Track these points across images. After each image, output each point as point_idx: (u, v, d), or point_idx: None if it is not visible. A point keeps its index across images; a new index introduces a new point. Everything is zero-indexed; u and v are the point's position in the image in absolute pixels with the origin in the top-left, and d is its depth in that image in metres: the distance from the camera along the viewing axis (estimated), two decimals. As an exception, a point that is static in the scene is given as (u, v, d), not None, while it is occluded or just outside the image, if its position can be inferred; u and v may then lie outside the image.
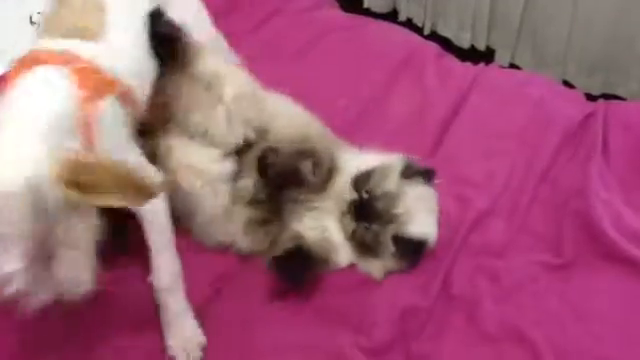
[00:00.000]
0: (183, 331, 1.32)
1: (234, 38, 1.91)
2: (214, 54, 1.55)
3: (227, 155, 1.49)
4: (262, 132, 1.51)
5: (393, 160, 1.51)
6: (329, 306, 1.39)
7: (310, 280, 1.41)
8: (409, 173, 1.49)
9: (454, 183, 1.58)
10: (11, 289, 1.01)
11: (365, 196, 1.45)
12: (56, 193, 0.98)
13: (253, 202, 1.47)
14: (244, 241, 1.48)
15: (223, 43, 1.74)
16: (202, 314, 1.37)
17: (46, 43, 1.23)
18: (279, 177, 1.44)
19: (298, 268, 1.37)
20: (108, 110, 1.16)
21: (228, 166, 1.48)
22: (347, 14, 2.17)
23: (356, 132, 1.68)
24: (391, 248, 1.43)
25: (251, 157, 1.49)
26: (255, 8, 2.06)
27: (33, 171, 0.98)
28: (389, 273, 1.45)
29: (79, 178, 0.99)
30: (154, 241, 1.28)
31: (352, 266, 1.47)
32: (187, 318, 1.34)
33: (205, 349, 1.34)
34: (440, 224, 1.48)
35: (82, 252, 1.06)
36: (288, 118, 1.57)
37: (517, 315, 1.37)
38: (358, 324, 1.36)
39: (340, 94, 1.80)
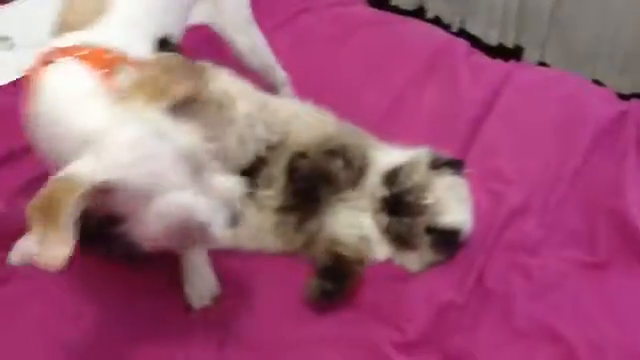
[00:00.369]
0: (199, 281, 1.41)
1: (263, 34, 1.93)
2: (221, 73, 1.53)
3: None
4: (278, 142, 1.52)
5: (420, 153, 1.52)
6: (364, 300, 1.39)
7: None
8: (437, 164, 1.49)
9: (487, 179, 1.58)
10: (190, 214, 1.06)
11: (395, 191, 1.45)
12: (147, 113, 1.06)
13: (283, 209, 1.48)
14: (275, 243, 1.50)
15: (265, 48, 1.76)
16: (235, 305, 1.40)
17: (56, 42, 1.26)
18: (310, 180, 1.45)
19: (339, 289, 1.38)
20: (124, 80, 1.17)
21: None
22: (376, 10, 2.17)
23: (387, 128, 1.69)
24: (426, 240, 1.43)
25: (270, 169, 1.50)
26: (284, 4, 2.07)
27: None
28: (428, 266, 1.45)
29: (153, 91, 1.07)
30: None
31: (387, 261, 1.47)
32: (202, 272, 1.42)
33: (217, 299, 1.41)
34: (474, 219, 1.48)
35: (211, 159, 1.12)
36: (305, 122, 1.57)
37: (551, 312, 1.37)
38: (393, 319, 1.36)
39: (370, 90, 1.80)
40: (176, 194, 1.04)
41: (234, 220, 1.12)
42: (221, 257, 1.47)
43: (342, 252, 1.41)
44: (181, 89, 1.09)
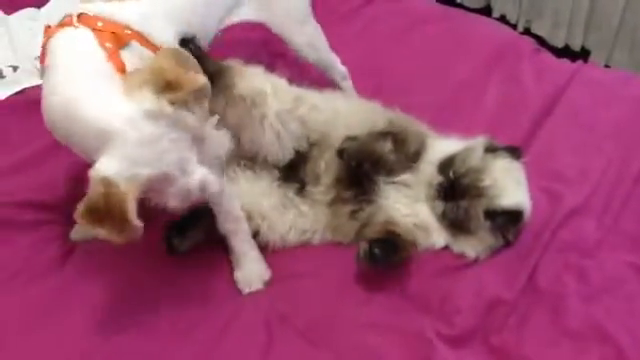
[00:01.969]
0: (248, 266, 1.46)
1: (325, 27, 1.94)
2: (255, 72, 1.52)
3: (276, 174, 1.52)
4: (320, 138, 1.52)
5: (477, 141, 1.50)
6: (413, 290, 1.39)
7: (399, 265, 1.42)
8: (493, 149, 1.47)
9: (546, 178, 1.56)
10: (203, 188, 1.22)
11: (451, 176, 1.43)
12: (164, 108, 1.13)
13: (336, 201, 1.49)
14: (329, 234, 1.51)
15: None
16: (283, 289, 1.43)
17: (83, 6, 1.30)
18: (358, 160, 1.45)
19: (387, 256, 1.37)
20: (127, 57, 1.25)
21: (275, 196, 1.50)
22: (441, 5, 2.16)
23: (447, 122, 1.67)
24: (484, 223, 1.41)
25: (315, 165, 1.51)
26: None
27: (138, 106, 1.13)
28: (488, 252, 1.43)
29: (164, 83, 1.14)
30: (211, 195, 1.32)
31: (443, 250, 1.46)
32: (251, 256, 1.46)
33: (267, 283, 1.44)
34: (530, 217, 1.46)
35: (209, 126, 1.26)
36: (345, 119, 1.55)
37: (604, 315, 1.34)
38: (441, 311, 1.35)
39: (433, 81, 1.80)
40: (191, 176, 1.19)
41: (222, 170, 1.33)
42: None
43: (396, 230, 1.41)
44: (189, 80, 1.16)
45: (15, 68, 1.88)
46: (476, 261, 1.44)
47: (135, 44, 1.27)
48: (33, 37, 1.91)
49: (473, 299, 1.36)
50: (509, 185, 1.43)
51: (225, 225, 1.43)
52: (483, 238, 1.43)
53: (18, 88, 1.84)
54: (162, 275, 1.47)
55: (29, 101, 1.74)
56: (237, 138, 1.46)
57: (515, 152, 1.49)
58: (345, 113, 1.57)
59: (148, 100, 1.12)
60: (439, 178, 1.45)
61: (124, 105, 1.12)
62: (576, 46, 2.69)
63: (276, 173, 1.53)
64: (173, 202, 1.20)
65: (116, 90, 1.15)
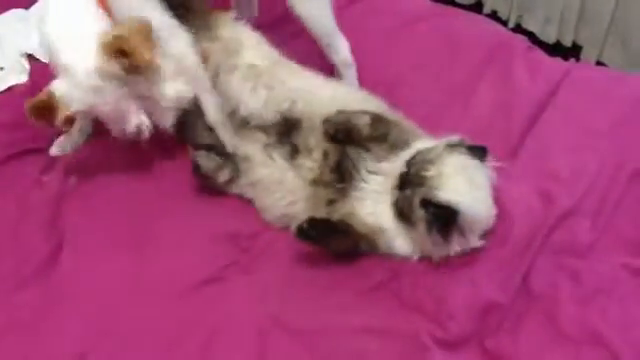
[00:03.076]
0: None
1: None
2: (240, 25, 1.67)
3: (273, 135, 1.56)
4: (310, 110, 1.55)
5: (447, 139, 1.47)
6: (406, 292, 1.39)
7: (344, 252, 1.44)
8: (454, 145, 1.44)
9: (540, 178, 1.55)
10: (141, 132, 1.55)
11: (406, 167, 1.43)
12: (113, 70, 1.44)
13: (317, 182, 1.49)
14: (304, 213, 1.49)
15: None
16: (276, 290, 1.43)
17: None
18: (335, 127, 1.48)
19: (316, 235, 1.40)
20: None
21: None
22: (434, 3, 2.14)
23: (441, 121, 1.67)
24: (420, 214, 1.38)
25: (307, 137, 1.53)
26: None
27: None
28: (432, 249, 1.41)
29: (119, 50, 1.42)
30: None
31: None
32: None
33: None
34: (524, 219, 1.45)
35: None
36: (341, 97, 1.59)
37: (599, 318, 1.34)
38: (435, 314, 1.35)
39: (425, 80, 1.79)
40: (128, 121, 1.52)
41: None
42: (267, 238, 1.52)
43: (351, 222, 1.41)
44: (143, 55, 1.43)
45: (1, 68, 1.86)
46: (470, 262, 1.42)
47: None
48: (21, 36, 1.90)
49: (467, 302, 1.35)
50: (455, 180, 1.38)
51: None
52: (421, 231, 1.39)
53: (4, 87, 1.82)
54: (152, 276, 1.46)
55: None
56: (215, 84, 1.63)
57: (478, 152, 1.45)
58: (339, 96, 1.58)
59: (104, 61, 1.42)
60: (403, 169, 1.44)
61: (88, 57, 1.43)
62: (567, 42, 2.68)
63: (267, 137, 1.58)
64: (118, 128, 1.54)
65: (91, 38, 1.44)
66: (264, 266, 1.48)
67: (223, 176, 1.59)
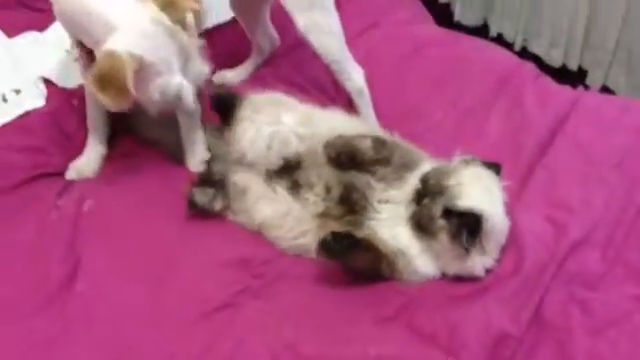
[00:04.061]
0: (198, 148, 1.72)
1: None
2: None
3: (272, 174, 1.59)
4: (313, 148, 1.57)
5: (462, 157, 1.51)
6: (420, 321, 1.40)
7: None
8: (470, 160, 1.48)
9: (549, 207, 1.57)
10: (179, 92, 1.57)
11: (422, 179, 1.45)
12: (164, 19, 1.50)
13: (327, 215, 1.51)
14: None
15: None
16: (289, 316, 1.44)
17: None
18: (337, 150, 1.51)
19: (343, 250, 1.40)
20: None
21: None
22: (443, 29, 2.17)
23: (451, 148, 1.68)
24: (441, 222, 1.39)
25: (309, 172, 1.55)
26: (351, 21, 2.07)
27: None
28: (453, 261, 1.43)
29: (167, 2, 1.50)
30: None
31: (444, 284, 1.47)
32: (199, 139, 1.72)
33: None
34: (535, 248, 1.47)
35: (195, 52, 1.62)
36: (343, 130, 1.60)
37: (610, 351, 1.35)
38: (448, 344, 1.36)
39: (437, 108, 1.81)
40: (173, 77, 1.53)
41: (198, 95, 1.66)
42: (281, 264, 1.53)
43: (374, 242, 1.42)
44: (186, 6, 1.51)
45: (18, 92, 1.87)
46: (483, 291, 1.44)
47: None
48: (37, 60, 1.91)
49: (480, 333, 1.36)
50: (473, 189, 1.41)
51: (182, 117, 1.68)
52: (443, 242, 1.41)
53: (21, 111, 1.83)
54: (166, 302, 1.48)
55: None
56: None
57: (493, 166, 1.49)
58: (341, 129, 1.59)
59: (154, 10, 1.48)
60: (417, 186, 1.47)
61: (134, 8, 1.48)
62: (573, 66, 2.71)
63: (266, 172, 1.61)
64: (154, 95, 1.52)
65: None
66: (278, 292, 1.49)
67: (217, 205, 1.62)
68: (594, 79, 2.65)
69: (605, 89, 2.60)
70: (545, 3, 2.68)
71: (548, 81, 1.95)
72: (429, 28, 2.14)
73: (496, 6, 2.84)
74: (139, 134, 1.80)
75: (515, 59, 2.06)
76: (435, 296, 1.44)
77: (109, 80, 1.42)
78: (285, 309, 1.46)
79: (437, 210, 1.40)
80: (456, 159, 1.50)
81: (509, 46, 2.72)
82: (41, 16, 2.04)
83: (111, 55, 1.42)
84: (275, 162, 1.61)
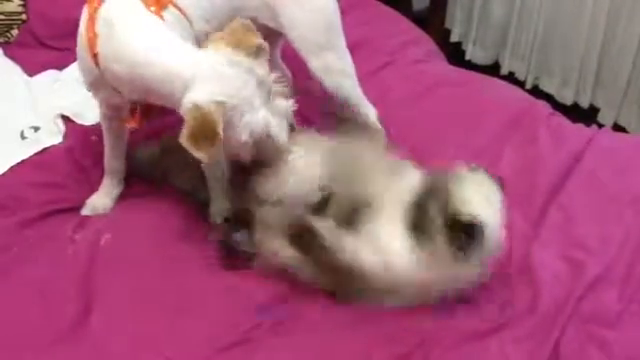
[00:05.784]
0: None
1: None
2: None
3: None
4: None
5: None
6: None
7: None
8: (475, 168, 1.46)
9: (565, 245, 1.56)
10: (267, 126, 1.47)
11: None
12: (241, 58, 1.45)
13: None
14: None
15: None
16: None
17: None
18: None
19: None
20: (167, 17, 1.53)
21: None
22: (456, 68, 2.19)
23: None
24: (440, 226, 1.37)
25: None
26: (365, 60, 2.10)
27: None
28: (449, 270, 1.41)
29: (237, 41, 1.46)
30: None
31: (458, 322, 1.46)
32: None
33: None
34: (552, 286, 1.47)
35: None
36: None
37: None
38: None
39: (449, 146, 1.82)
40: (257, 112, 1.44)
41: (291, 129, 1.54)
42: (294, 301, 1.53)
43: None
44: (254, 40, 1.47)
45: (36, 129, 1.90)
46: (499, 329, 1.43)
47: (171, 7, 1.54)
48: (56, 97, 1.94)
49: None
50: (473, 196, 1.39)
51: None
52: (440, 246, 1.38)
53: (39, 148, 1.85)
54: (181, 338, 1.47)
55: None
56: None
57: (496, 178, 1.47)
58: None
59: (228, 51, 1.44)
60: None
61: (205, 54, 1.44)
62: (584, 104, 2.73)
63: None
64: (243, 136, 1.44)
65: (181, 43, 1.47)
66: (293, 331, 1.48)
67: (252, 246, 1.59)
68: (606, 117, 2.66)
69: (617, 127, 2.61)
70: (556, 42, 2.71)
71: (562, 119, 1.96)
72: (442, 66, 2.16)
73: (507, 45, 2.87)
74: (172, 183, 1.76)
75: (528, 97, 2.07)
76: (450, 334, 1.43)
77: (201, 135, 1.38)
78: (300, 347, 1.45)
79: (436, 211, 1.38)
80: (461, 166, 1.48)
81: (520, 84, 2.75)
82: (61, 55, 2.08)
83: (197, 109, 1.37)
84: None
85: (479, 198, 1.40)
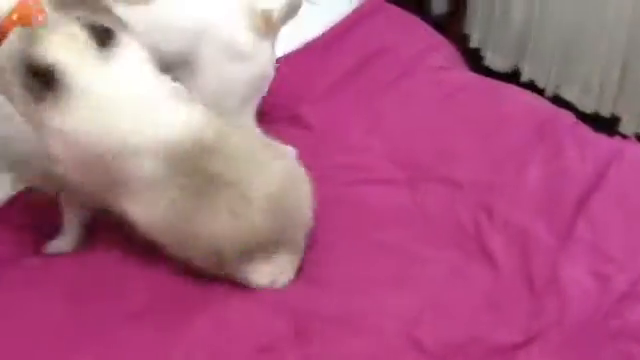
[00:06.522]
0: None
1: (365, 96, 1.96)
2: None
3: None
4: None
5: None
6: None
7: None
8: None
9: (593, 259, 1.54)
10: None
11: None
12: None
13: None
14: None
15: None
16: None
17: None
18: None
19: None
20: None
21: None
22: (476, 75, 2.17)
23: (488, 198, 1.67)
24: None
25: None
26: (385, 68, 2.09)
27: None
28: None
29: None
30: None
31: (487, 334, 1.42)
32: None
33: None
34: (580, 301, 1.45)
35: None
36: None
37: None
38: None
39: (471, 158, 1.79)
40: None
41: None
42: None
43: None
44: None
45: None
46: (528, 343, 1.40)
47: None
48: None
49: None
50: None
51: None
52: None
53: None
54: (206, 348, 1.43)
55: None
56: None
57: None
58: None
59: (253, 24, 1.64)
60: None
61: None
62: (606, 113, 2.69)
63: None
64: None
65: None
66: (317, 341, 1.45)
67: None
68: (627, 127, 2.63)
69: (639, 137, 2.57)
70: (577, 49, 2.68)
71: (586, 129, 1.93)
72: (462, 74, 2.14)
73: (527, 52, 2.84)
74: None
75: (551, 106, 2.04)
76: (478, 347, 1.40)
77: None
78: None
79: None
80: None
81: (540, 92, 2.71)
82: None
83: None
84: None
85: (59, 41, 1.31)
